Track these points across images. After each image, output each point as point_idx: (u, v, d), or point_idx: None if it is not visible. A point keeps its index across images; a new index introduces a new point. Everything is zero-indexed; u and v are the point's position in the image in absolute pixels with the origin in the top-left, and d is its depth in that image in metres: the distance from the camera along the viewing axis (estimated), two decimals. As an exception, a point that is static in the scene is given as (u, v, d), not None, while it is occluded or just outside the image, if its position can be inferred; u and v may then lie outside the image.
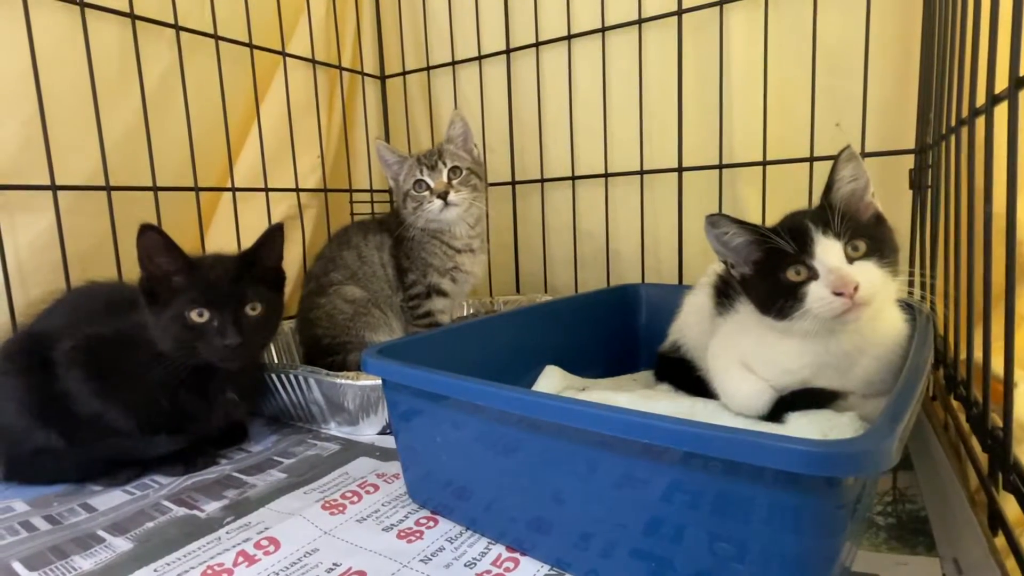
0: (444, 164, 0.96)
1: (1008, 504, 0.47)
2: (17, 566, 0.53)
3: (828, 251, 0.54)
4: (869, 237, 0.54)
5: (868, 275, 0.53)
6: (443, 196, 0.94)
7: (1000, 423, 0.49)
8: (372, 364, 0.57)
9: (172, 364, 0.68)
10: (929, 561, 0.47)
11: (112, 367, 0.69)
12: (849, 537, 0.40)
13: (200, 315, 0.68)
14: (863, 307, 0.53)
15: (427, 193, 0.96)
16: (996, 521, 0.47)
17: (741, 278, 0.62)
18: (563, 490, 0.47)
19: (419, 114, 1.44)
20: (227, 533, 0.57)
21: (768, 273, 0.57)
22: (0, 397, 0.68)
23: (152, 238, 0.67)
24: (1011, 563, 0.44)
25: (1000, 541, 0.46)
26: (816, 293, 0.53)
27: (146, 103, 0.93)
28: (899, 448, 0.35)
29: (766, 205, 1.03)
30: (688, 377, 0.75)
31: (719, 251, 0.62)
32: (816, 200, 0.61)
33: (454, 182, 0.96)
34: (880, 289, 0.53)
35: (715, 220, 0.59)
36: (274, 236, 0.75)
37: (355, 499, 0.62)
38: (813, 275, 0.54)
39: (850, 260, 0.54)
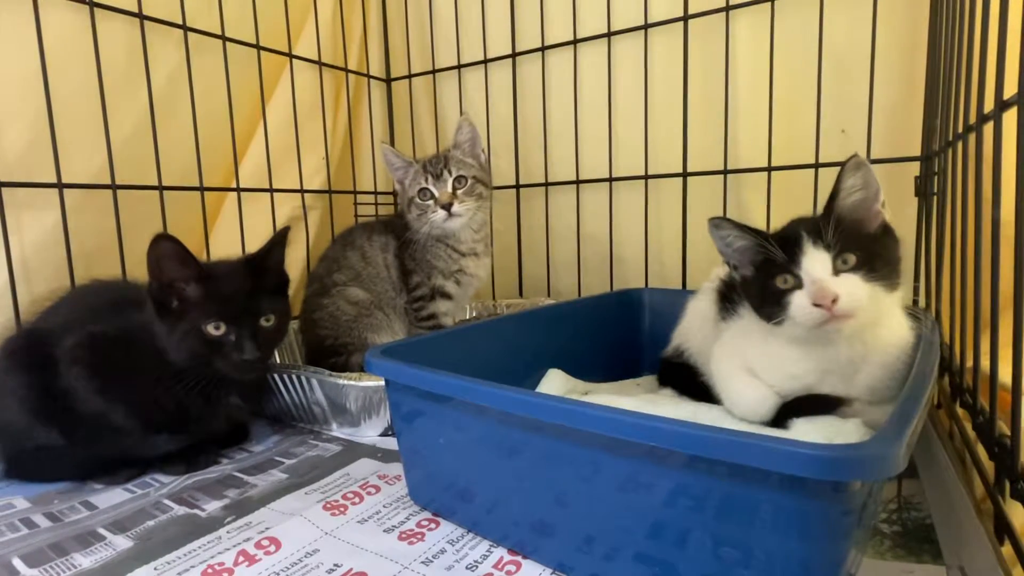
0: (449, 173, 0.95)
1: (1015, 512, 0.46)
2: (17, 563, 0.53)
3: (814, 262, 0.54)
4: (862, 250, 0.54)
5: (851, 288, 0.53)
6: (447, 207, 0.94)
7: (1007, 431, 0.48)
8: (376, 364, 0.57)
9: (181, 371, 0.68)
10: (935, 569, 0.47)
11: (115, 366, 0.69)
12: (855, 544, 0.40)
13: (217, 328, 0.67)
14: (845, 319, 0.53)
15: (431, 202, 0.95)
16: (1002, 529, 0.47)
17: (742, 279, 0.63)
18: (566, 493, 0.46)
19: (424, 117, 1.44)
20: (228, 532, 0.57)
21: (762, 277, 0.59)
22: (2, 394, 0.68)
23: (167, 248, 0.65)
24: (1018, 572, 0.43)
25: (1007, 550, 0.46)
26: (797, 302, 0.55)
27: (153, 103, 0.94)
28: (906, 453, 0.34)
29: (771, 211, 1.03)
30: (692, 382, 0.75)
31: (723, 252, 0.63)
32: (823, 205, 0.61)
33: (459, 192, 0.95)
34: (865, 303, 0.53)
35: (718, 223, 0.61)
36: (279, 240, 0.75)
37: (356, 500, 0.62)
38: (799, 284, 0.55)
39: (838, 272, 0.54)
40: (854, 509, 0.37)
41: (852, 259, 0.54)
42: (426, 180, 0.95)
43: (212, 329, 0.67)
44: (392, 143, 1.45)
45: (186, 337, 0.67)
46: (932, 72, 0.88)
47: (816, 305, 0.53)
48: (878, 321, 0.57)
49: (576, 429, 0.42)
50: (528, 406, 0.46)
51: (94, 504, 0.64)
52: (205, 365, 0.68)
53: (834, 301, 0.52)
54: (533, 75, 1.27)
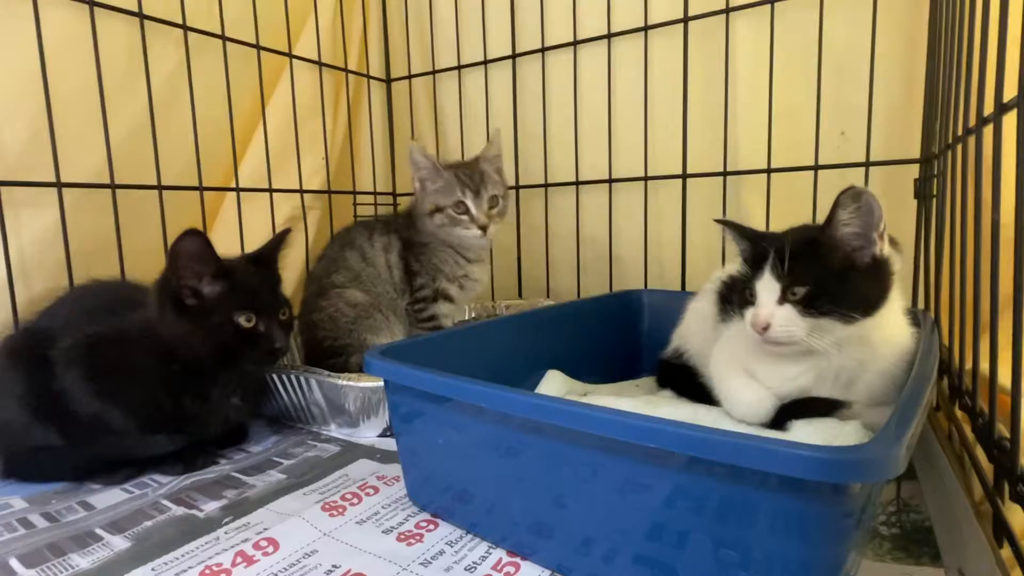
0: (486, 191, 0.96)
1: (1014, 515, 0.46)
2: (14, 563, 0.53)
3: (764, 289, 0.58)
4: (819, 284, 0.55)
5: (784, 321, 0.56)
6: (484, 228, 0.94)
7: (1006, 433, 0.48)
8: (375, 365, 0.57)
9: (179, 371, 0.68)
10: (934, 572, 0.47)
11: (113, 367, 0.69)
12: (854, 546, 0.40)
13: (249, 320, 0.70)
14: (779, 345, 0.57)
15: (466, 218, 0.95)
16: (1001, 532, 0.47)
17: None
18: (565, 494, 0.46)
19: (424, 118, 1.44)
20: (226, 533, 0.56)
21: (741, 283, 0.62)
22: (0, 393, 0.68)
23: (195, 243, 0.66)
24: (1017, 574, 0.43)
25: (1005, 552, 0.46)
26: (747, 316, 0.59)
27: (152, 102, 0.94)
28: (906, 456, 0.34)
29: (770, 213, 1.03)
30: (691, 384, 0.74)
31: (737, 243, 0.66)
32: (821, 209, 0.61)
33: (493, 212, 0.96)
34: (800, 335, 0.56)
35: (722, 224, 0.64)
36: (281, 240, 0.77)
37: (355, 501, 0.62)
38: (753, 301, 0.59)
39: (786, 300, 0.56)
40: (853, 511, 0.37)
41: (801, 292, 0.56)
42: (463, 193, 0.95)
43: (244, 321, 0.69)
44: (392, 144, 1.46)
45: (216, 331, 0.68)
46: (932, 74, 0.88)
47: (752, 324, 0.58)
48: (865, 338, 0.57)
49: (575, 430, 0.42)
50: (527, 407, 0.46)
51: (92, 504, 0.64)
52: (231, 357, 0.69)
53: (766, 328, 0.56)
54: (533, 76, 1.27)
